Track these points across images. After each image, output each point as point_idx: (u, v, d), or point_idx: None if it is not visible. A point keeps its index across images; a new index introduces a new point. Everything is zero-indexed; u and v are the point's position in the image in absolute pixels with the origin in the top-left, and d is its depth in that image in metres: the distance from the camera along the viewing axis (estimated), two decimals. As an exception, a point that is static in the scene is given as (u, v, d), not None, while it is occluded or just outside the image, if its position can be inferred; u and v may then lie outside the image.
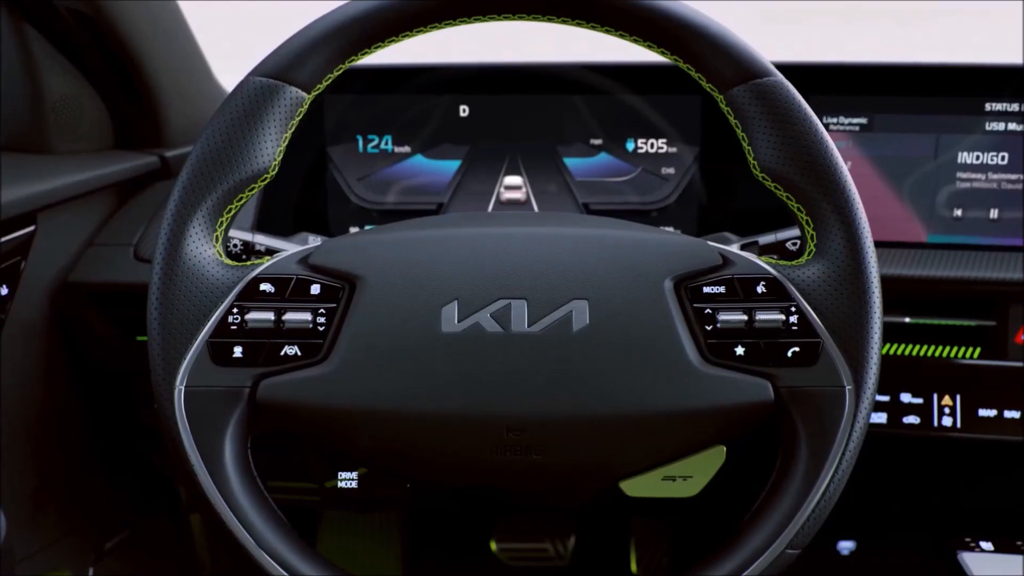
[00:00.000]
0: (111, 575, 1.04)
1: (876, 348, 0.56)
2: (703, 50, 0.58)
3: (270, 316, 0.57)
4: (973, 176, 0.91)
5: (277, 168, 0.59)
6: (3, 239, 0.80)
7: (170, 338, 0.56)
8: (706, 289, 0.58)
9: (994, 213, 0.91)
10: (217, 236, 0.59)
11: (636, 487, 0.60)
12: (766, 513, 0.56)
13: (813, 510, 0.55)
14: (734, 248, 0.65)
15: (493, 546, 1.25)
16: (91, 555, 1.03)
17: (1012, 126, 0.90)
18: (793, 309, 0.57)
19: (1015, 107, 0.90)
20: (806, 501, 0.55)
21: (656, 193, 0.96)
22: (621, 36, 0.59)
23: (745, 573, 0.55)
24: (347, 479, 0.71)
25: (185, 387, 0.56)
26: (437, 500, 1.14)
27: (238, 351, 0.56)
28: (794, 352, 0.56)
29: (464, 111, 0.96)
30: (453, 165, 0.97)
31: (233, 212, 0.59)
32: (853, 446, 0.55)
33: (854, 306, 0.56)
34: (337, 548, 1.27)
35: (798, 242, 0.65)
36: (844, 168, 0.58)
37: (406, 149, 0.97)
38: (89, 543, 1.03)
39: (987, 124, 0.91)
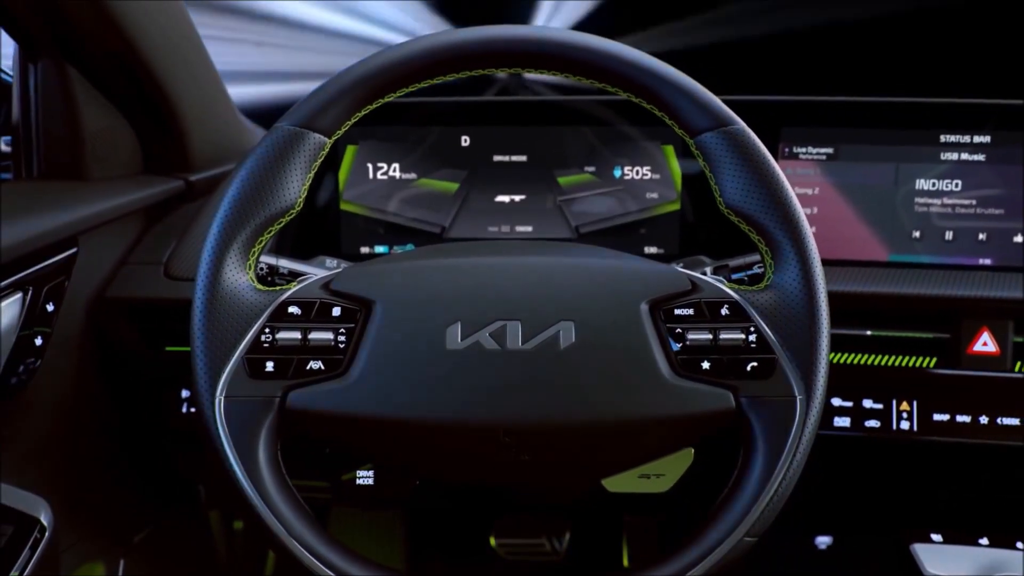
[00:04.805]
0: (140, 566, 1.07)
1: (824, 363, 0.61)
2: (676, 100, 0.64)
3: (297, 335, 0.62)
4: (930, 201, 0.95)
5: (302, 204, 0.64)
6: (51, 260, 0.84)
7: (212, 355, 0.61)
8: (677, 311, 0.63)
9: (949, 235, 0.95)
10: (250, 264, 0.64)
11: (615, 483, 0.65)
12: (728, 504, 0.61)
13: (769, 502, 0.60)
14: (706, 271, 0.70)
15: (492, 542, 1.27)
16: (121, 548, 1.06)
17: (964, 156, 0.94)
18: (752, 329, 0.62)
19: (967, 139, 0.94)
20: (762, 495, 0.60)
21: (642, 209, 1.01)
22: (603, 86, 0.65)
23: (709, 556, 0.59)
24: (364, 476, 0.78)
25: (224, 397, 0.61)
26: (439, 499, 1.16)
27: (270, 366, 0.62)
28: (753, 367, 0.61)
29: (465, 141, 1.01)
30: (454, 189, 1.02)
31: (264, 243, 0.64)
32: (804, 447, 0.60)
33: (805, 327, 0.62)
34: (344, 542, 1.31)
35: (763, 266, 0.69)
36: (799, 206, 0.63)
37: (412, 175, 1.02)
38: (119, 537, 1.06)
39: (942, 154, 0.95)
